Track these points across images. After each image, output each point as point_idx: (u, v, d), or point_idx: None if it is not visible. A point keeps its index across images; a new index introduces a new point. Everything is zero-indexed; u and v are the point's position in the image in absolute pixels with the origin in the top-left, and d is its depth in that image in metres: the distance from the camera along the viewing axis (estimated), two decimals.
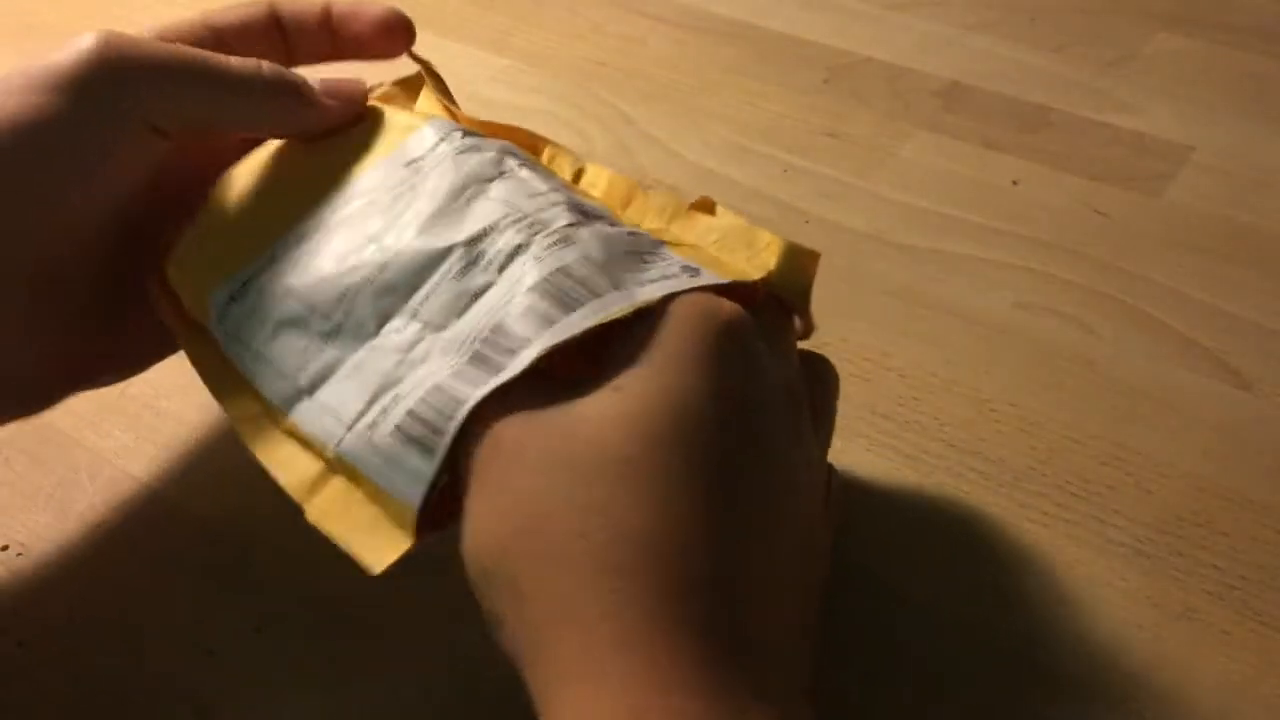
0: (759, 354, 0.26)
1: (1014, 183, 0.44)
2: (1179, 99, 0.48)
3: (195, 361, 0.30)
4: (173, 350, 0.34)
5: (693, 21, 0.55)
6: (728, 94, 0.50)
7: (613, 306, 0.26)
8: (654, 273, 0.27)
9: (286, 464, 0.27)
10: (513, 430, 0.24)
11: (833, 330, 0.38)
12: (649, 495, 0.23)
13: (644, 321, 0.25)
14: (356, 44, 0.33)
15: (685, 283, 0.27)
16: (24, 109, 0.27)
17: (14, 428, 0.36)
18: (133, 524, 0.34)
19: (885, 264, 0.41)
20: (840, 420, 0.31)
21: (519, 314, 0.26)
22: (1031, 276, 0.40)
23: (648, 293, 0.26)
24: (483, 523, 0.24)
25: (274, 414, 0.28)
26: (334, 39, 0.33)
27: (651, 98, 0.50)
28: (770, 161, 0.46)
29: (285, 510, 0.34)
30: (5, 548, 0.33)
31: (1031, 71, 0.50)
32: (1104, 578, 0.31)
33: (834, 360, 0.31)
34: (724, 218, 0.30)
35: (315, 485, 0.27)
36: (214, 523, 0.34)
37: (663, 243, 0.29)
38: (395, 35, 0.33)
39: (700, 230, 0.30)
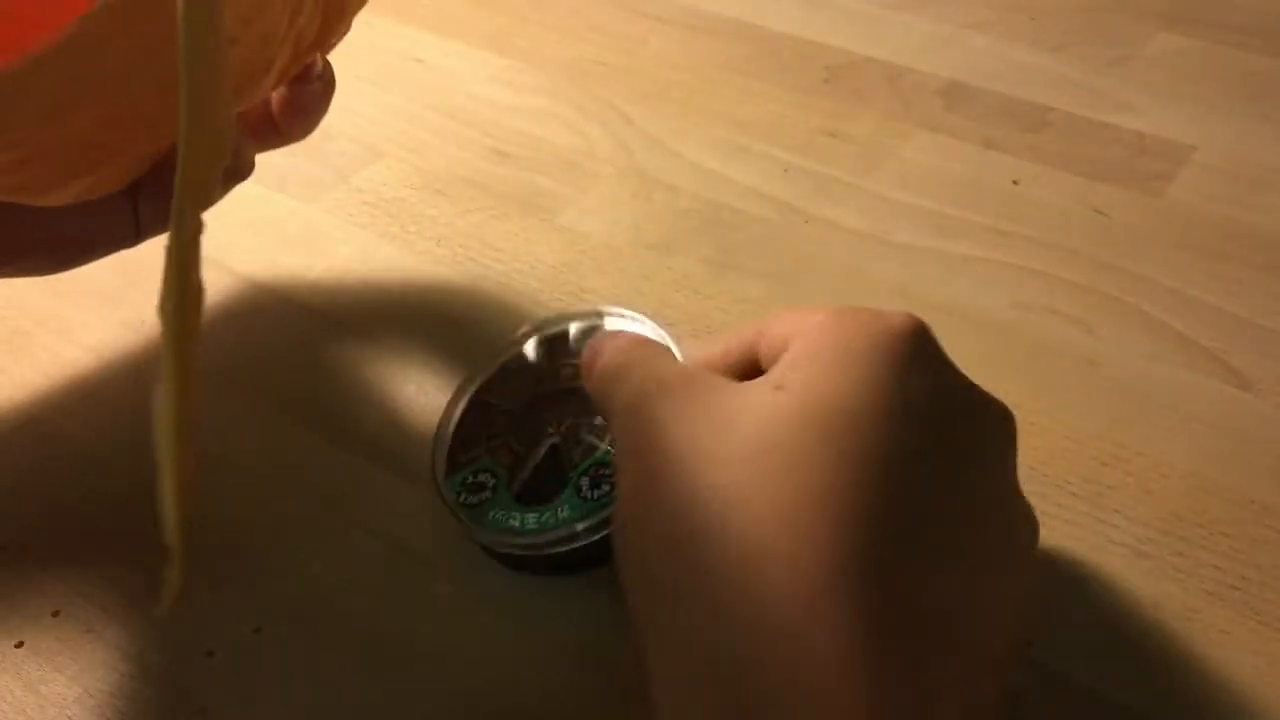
0: (933, 358, 0.25)
1: (1014, 183, 0.44)
2: (1179, 99, 0.48)
3: None
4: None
5: (693, 21, 0.55)
6: (728, 94, 0.50)
7: None
8: None
9: None
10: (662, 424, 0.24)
11: None
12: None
13: (807, 333, 0.25)
14: None
15: None
16: None
17: (4, 427, 0.37)
18: (131, 523, 0.34)
19: (885, 264, 0.41)
20: None
21: None
22: (1031, 276, 0.40)
23: None
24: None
25: None
26: None
27: (651, 98, 0.50)
28: (770, 161, 0.46)
29: (285, 510, 0.34)
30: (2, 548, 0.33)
31: (1031, 71, 0.50)
32: (1104, 578, 0.31)
33: None
34: None
35: None
36: (212, 522, 0.34)
37: None
38: None
39: None
